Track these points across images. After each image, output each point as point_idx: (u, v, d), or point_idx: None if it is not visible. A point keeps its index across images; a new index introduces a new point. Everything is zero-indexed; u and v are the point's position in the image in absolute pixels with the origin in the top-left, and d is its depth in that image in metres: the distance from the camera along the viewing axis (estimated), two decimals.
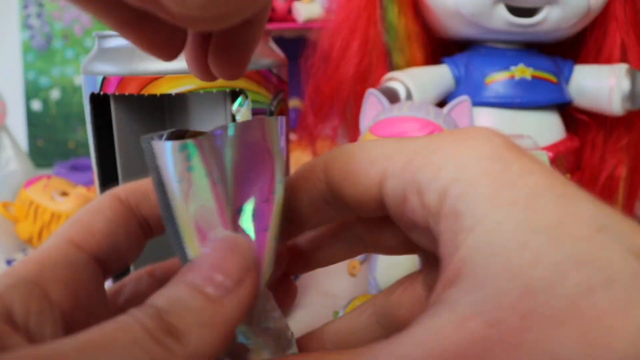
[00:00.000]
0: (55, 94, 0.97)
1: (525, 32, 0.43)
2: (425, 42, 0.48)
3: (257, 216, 0.18)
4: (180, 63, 0.34)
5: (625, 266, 0.13)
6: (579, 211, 0.14)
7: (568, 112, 0.48)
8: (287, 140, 0.42)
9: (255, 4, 0.15)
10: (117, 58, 0.35)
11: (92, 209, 0.19)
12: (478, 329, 0.13)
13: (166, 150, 0.17)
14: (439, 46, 0.50)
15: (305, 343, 0.21)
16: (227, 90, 0.36)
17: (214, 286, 0.15)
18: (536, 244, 0.13)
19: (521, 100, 0.44)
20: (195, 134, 0.19)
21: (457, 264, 0.14)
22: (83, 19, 0.96)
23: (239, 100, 0.37)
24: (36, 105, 0.98)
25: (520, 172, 0.15)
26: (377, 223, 0.20)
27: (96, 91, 0.36)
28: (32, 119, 0.98)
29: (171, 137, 0.19)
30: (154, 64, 0.34)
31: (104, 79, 0.35)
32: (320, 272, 0.57)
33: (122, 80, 0.34)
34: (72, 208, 0.59)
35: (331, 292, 0.49)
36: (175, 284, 0.16)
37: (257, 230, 0.18)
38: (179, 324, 0.14)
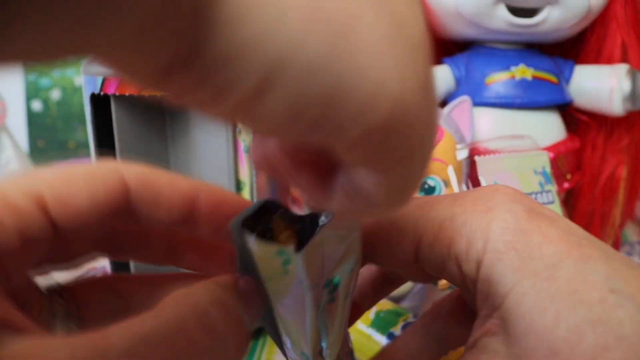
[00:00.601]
0: (55, 95, 0.97)
1: (525, 33, 0.43)
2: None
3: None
4: None
5: (635, 325, 0.15)
6: (593, 275, 0.16)
7: (568, 112, 0.48)
8: None
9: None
10: None
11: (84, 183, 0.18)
12: None
13: (262, 251, 0.17)
14: (440, 46, 0.50)
15: None
16: None
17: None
18: (556, 310, 0.16)
19: (522, 100, 0.44)
20: (284, 211, 0.19)
21: (492, 322, 0.17)
22: None
23: None
24: (36, 105, 0.98)
25: (540, 242, 0.17)
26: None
27: (96, 92, 0.36)
28: (33, 119, 0.98)
29: (259, 214, 0.18)
30: None
31: (104, 79, 0.35)
32: None
33: (123, 80, 0.34)
34: None
35: None
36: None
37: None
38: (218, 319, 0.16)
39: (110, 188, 0.18)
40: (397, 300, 0.42)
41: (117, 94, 0.35)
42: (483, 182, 0.37)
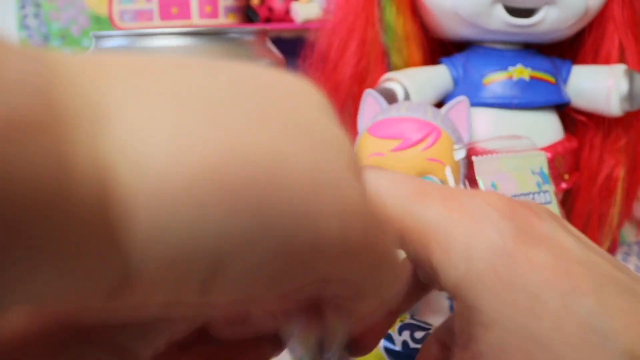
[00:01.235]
0: None
1: (523, 33, 0.43)
2: (423, 42, 0.48)
3: None
4: None
5: None
6: (575, 312, 0.16)
7: (566, 112, 0.48)
8: None
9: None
10: None
11: None
12: None
13: None
14: (437, 46, 0.50)
15: None
16: None
17: None
18: (540, 354, 0.15)
19: (519, 100, 0.44)
20: None
21: (473, 355, 0.17)
22: (80, 19, 0.96)
23: None
24: None
25: (525, 270, 0.16)
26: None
27: None
28: None
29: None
30: None
31: None
32: None
33: None
34: None
35: None
36: None
37: None
38: None
39: None
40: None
41: None
42: (480, 183, 0.37)
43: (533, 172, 0.40)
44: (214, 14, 0.68)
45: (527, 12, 0.42)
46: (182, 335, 0.16)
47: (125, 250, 0.10)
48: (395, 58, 0.48)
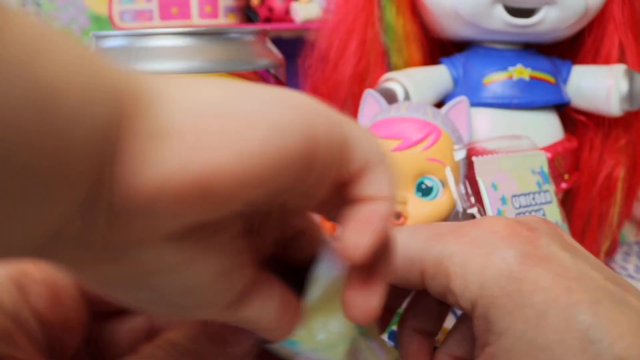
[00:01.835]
0: None
1: (523, 33, 0.43)
2: (423, 42, 0.48)
3: None
4: (176, 63, 0.34)
5: None
6: (575, 325, 0.18)
7: (566, 112, 0.48)
8: None
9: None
10: (114, 58, 0.35)
11: None
12: None
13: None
14: (437, 46, 0.50)
15: None
16: None
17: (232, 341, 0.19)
18: (541, 356, 0.18)
19: (519, 100, 0.44)
20: None
21: (489, 355, 0.19)
22: (80, 18, 0.96)
23: None
24: None
25: (531, 290, 0.19)
26: None
27: None
28: None
29: None
30: (151, 64, 0.34)
31: None
32: None
33: None
34: None
35: None
36: (194, 326, 0.19)
37: None
38: None
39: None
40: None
41: None
42: (481, 183, 0.37)
43: (533, 172, 0.40)
44: (213, 14, 0.68)
45: (527, 12, 0.42)
46: None
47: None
48: (395, 58, 0.48)
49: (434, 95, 0.46)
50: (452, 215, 0.40)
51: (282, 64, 0.40)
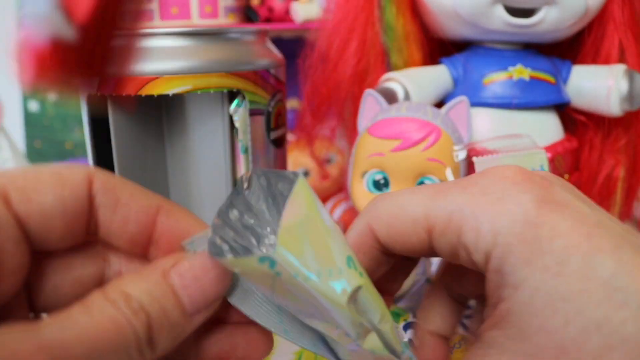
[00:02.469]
0: (52, 95, 0.97)
1: (523, 33, 0.43)
2: (423, 42, 0.48)
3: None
4: (176, 63, 0.34)
5: (637, 324, 0.16)
6: (600, 272, 0.17)
7: (566, 112, 0.48)
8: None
9: None
10: (114, 58, 0.35)
11: (46, 170, 0.19)
12: None
13: (244, 266, 0.18)
14: (437, 46, 0.50)
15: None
16: (225, 91, 0.36)
17: (191, 301, 0.18)
18: (566, 310, 0.17)
19: (519, 100, 0.44)
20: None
21: (502, 312, 0.18)
22: None
23: (237, 101, 0.37)
24: (33, 106, 0.97)
25: (550, 236, 0.18)
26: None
27: (93, 92, 0.36)
28: (30, 120, 0.98)
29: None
30: (151, 65, 0.34)
31: (101, 79, 0.35)
32: None
33: (120, 80, 0.34)
34: None
35: None
36: (158, 281, 0.18)
37: None
38: (158, 338, 0.17)
39: (75, 187, 0.18)
40: (394, 301, 0.42)
41: (114, 94, 0.35)
42: None
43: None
44: (213, 14, 0.68)
45: (527, 12, 0.42)
46: None
47: None
48: (395, 58, 0.48)
49: (434, 95, 0.46)
50: None
51: (282, 64, 0.40)
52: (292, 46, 0.51)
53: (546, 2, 0.41)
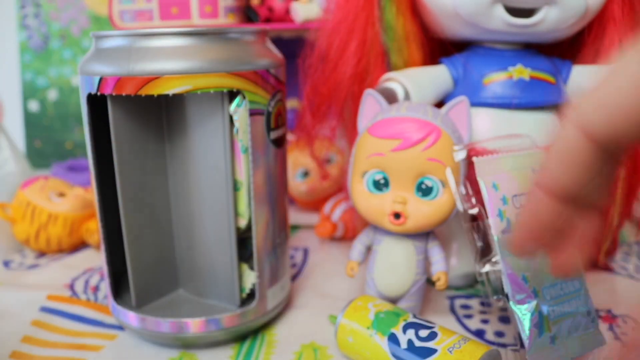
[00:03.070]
0: (52, 95, 0.97)
1: (523, 33, 0.43)
2: (423, 42, 0.48)
3: None
4: (176, 63, 0.34)
5: None
6: None
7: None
8: (285, 141, 0.42)
9: None
10: (114, 58, 0.35)
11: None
12: None
13: None
14: (437, 46, 0.50)
15: None
16: (225, 90, 0.36)
17: None
18: None
19: (519, 100, 0.44)
20: None
21: None
22: (80, 19, 0.96)
23: (237, 100, 0.37)
24: (33, 105, 0.97)
25: None
26: None
27: (93, 92, 0.36)
28: (30, 120, 0.98)
29: None
30: (151, 65, 0.34)
31: (101, 79, 0.35)
32: (318, 273, 0.57)
33: (120, 80, 0.34)
34: (69, 209, 0.59)
35: (329, 293, 0.49)
36: None
37: None
38: None
39: None
40: (395, 300, 0.42)
41: (114, 94, 0.35)
42: (481, 184, 0.37)
43: (534, 171, 0.40)
44: (213, 14, 0.68)
45: (527, 12, 0.42)
46: None
47: None
48: (395, 58, 0.48)
49: (434, 95, 0.46)
50: (452, 215, 0.40)
51: (282, 64, 0.40)
52: (292, 46, 0.51)
53: (546, 2, 0.41)
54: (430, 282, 0.45)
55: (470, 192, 0.39)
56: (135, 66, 0.34)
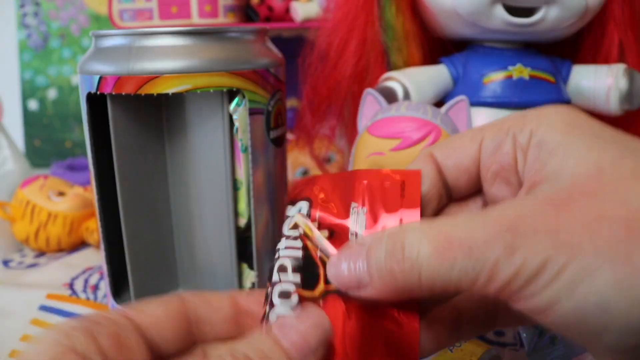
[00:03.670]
0: (52, 94, 0.97)
1: (523, 32, 0.43)
2: (423, 41, 0.48)
3: None
4: (176, 62, 0.34)
5: None
6: (633, 144, 0.20)
7: None
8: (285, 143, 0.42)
9: None
10: (113, 57, 0.35)
11: (153, 300, 0.22)
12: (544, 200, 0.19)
13: None
14: (437, 46, 0.50)
15: None
16: (225, 90, 0.36)
17: (293, 347, 0.20)
18: (596, 176, 0.19)
19: (519, 100, 0.44)
20: None
21: (542, 175, 0.20)
22: (80, 18, 0.96)
23: (236, 100, 0.37)
24: (33, 104, 0.97)
25: (588, 121, 0.21)
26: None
27: (93, 91, 0.36)
28: (29, 119, 0.98)
29: None
30: (150, 64, 0.34)
31: (100, 78, 0.35)
32: None
33: (119, 79, 0.34)
34: (69, 208, 0.59)
35: None
36: (260, 336, 0.20)
37: None
38: None
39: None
40: None
41: (113, 93, 0.35)
42: None
43: None
44: (213, 13, 0.68)
45: (527, 12, 0.42)
46: None
47: None
48: (395, 57, 0.48)
49: (433, 94, 0.46)
50: None
51: (282, 63, 0.40)
52: (292, 45, 0.51)
53: (546, 1, 0.41)
54: None
55: None
56: (135, 65, 0.34)
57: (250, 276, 0.41)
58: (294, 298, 0.22)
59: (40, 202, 0.59)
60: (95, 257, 0.58)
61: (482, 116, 0.44)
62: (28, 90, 0.97)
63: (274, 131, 0.39)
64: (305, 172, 0.68)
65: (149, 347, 0.20)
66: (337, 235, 0.23)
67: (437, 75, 0.47)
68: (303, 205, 0.24)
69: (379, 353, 0.21)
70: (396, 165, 0.39)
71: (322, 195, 0.24)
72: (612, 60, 0.45)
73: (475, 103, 0.44)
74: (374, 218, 0.23)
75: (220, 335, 0.22)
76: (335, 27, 0.48)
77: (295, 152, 0.69)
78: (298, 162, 0.68)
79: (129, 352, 0.19)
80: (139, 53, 0.35)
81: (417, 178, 0.24)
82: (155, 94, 0.34)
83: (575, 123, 0.21)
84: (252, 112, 0.37)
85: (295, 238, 0.23)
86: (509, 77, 0.44)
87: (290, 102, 0.77)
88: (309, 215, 0.24)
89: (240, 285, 0.41)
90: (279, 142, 0.41)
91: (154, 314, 0.21)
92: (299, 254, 0.23)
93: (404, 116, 0.39)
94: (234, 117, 0.37)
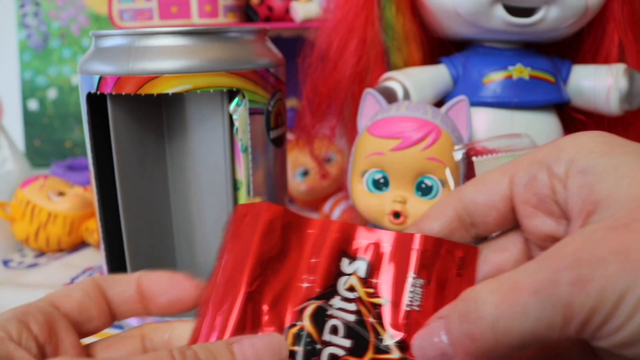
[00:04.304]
0: (52, 94, 0.97)
1: (523, 32, 0.43)
2: (423, 41, 0.48)
3: None
4: (176, 62, 0.34)
5: None
6: None
7: (566, 112, 0.48)
8: (284, 139, 0.42)
9: None
10: (113, 57, 0.35)
11: (73, 285, 0.24)
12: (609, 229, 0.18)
13: None
14: (437, 46, 0.50)
15: None
16: (225, 90, 0.36)
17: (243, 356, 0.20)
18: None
19: (519, 100, 0.44)
20: None
21: (594, 201, 0.20)
22: (80, 18, 0.96)
23: (236, 100, 0.37)
24: (33, 104, 0.97)
25: (622, 141, 0.21)
26: None
27: (93, 91, 0.36)
28: (29, 119, 0.98)
29: None
30: (150, 64, 0.34)
31: (100, 78, 0.35)
32: None
33: (119, 80, 0.34)
34: (69, 208, 0.59)
35: None
36: (218, 344, 0.20)
37: None
38: None
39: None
40: None
41: (113, 93, 0.35)
42: None
43: None
44: (213, 13, 0.68)
45: (527, 11, 0.42)
46: None
47: None
48: (395, 57, 0.48)
49: (433, 94, 0.46)
50: None
51: (282, 63, 0.40)
52: (292, 45, 0.51)
53: (546, 1, 0.41)
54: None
55: None
56: (135, 65, 0.34)
57: None
58: None
59: (40, 202, 0.59)
60: (95, 257, 0.58)
61: (482, 116, 0.44)
62: (28, 90, 0.97)
63: (274, 131, 0.39)
64: (305, 172, 0.68)
65: (75, 327, 0.23)
66: (394, 304, 0.23)
67: (437, 75, 0.47)
68: (360, 266, 0.24)
69: None
70: (396, 164, 0.39)
71: (379, 257, 0.24)
72: (612, 60, 0.45)
73: (475, 103, 0.44)
74: (432, 293, 0.24)
75: (130, 314, 0.25)
76: (335, 27, 0.48)
77: (295, 152, 0.69)
78: (298, 162, 0.68)
79: (58, 334, 0.22)
80: (139, 53, 0.35)
81: (475, 255, 0.25)
82: (155, 94, 0.34)
83: (611, 144, 0.21)
84: (252, 112, 0.37)
85: (350, 301, 0.23)
86: (509, 77, 0.44)
87: (290, 102, 0.77)
88: (366, 279, 0.23)
89: None
90: (279, 142, 0.41)
91: (76, 297, 0.23)
92: (352, 318, 0.22)
93: (404, 116, 0.39)
94: (234, 117, 0.37)
